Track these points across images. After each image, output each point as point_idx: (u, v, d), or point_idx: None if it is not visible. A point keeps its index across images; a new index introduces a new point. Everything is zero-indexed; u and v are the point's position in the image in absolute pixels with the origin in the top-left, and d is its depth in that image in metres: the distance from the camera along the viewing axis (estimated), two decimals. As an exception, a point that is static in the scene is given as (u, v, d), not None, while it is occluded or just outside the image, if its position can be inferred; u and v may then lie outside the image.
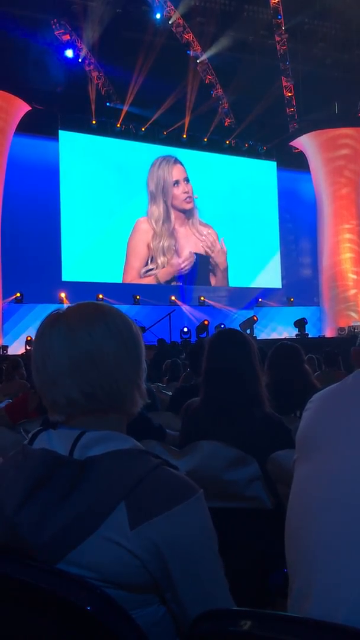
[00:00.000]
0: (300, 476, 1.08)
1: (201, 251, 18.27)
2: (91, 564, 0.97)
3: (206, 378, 2.31)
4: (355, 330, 15.70)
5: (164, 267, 17.67)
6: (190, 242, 18.09)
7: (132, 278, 17.44)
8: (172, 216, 17.82)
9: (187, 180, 18.06)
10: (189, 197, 17.95)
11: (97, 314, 1.11)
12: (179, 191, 17.92)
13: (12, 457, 1.08)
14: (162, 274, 17.74)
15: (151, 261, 17.59)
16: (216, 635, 0.84)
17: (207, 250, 18.34)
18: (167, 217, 17.74)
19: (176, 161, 18.09)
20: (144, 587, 0.99)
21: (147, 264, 17.55)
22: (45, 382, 1.09)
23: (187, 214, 18.03)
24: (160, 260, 17.65)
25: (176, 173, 17.98)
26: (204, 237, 18.27)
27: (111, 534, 0.96)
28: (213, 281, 18.58)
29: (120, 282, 17.14)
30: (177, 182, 17.92)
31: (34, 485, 1.00)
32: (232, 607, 1.03)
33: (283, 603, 1.08)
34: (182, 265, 17.95)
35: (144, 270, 17.52)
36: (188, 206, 17.98)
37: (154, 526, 0.96)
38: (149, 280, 17.56)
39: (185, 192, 17.92)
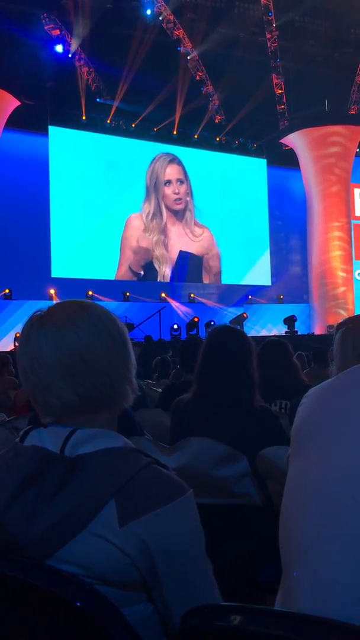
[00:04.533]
0: (294, 471, 1.08)
1: (192, 250, 18.25)
2: (80, 560, 0.97)
3: (201, 374, 2.31)
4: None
5: (154, 263, 17.62)
6: (182, 241, 18.06)
7: (125, 275, 17.41)
8: (164, 213, 17.79)
9: (180, 181, 17.98)
10: (179, 198, 17.89)
11: (81, 312, 1.09)
12: (169, 191, 17.87)
13: (3, 454, 1.07)
14: (152, 275, 17.67)
15: (143, 257, 17.55)
16: (205, 630, 0.84)
17: (203, 252, 18.33)
18: (158, 213, 17.70)
19: (173, 160, 18.03)
20: (133, 584, 0.99)
21: (139, 261, 17.52)
22: (36, 387, 1.07)
23: (178, 215, 17.99)
24: (151, 255, 17.60)
25: (169, 172, 17.92)
26: (197, 238, 18.25)
27: (100, 531, 0.96)
28: (205, 279, 18.59)
29: (110, 278, 17.10)
30: (168, 182, 17.87)
31: (23, 482, 1.00)
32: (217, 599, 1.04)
33: (273, 599, 1.09)
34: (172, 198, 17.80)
35: (139, 266, 17.47)
36: (177, 207, 17.93)
37: (142, 524, 0.96)
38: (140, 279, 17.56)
39: (175, 193, 17.86)
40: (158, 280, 17.75)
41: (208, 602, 0.99)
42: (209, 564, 1.04)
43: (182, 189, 17.99)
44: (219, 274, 18.77)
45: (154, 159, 17.88)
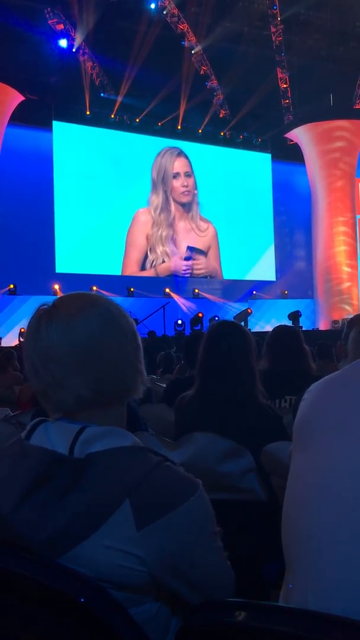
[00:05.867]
0: (296, 466, 1.08)
1: (199, 245, 18.24)
2: (89, 563, 0.95)
3: (202, 369, 2.31)
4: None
5: (162, 258, 17.61)
6: (189, 236, 18.06)
7: (132, 270, 17.41)
8: (172, 207, 17.78)
9: (188, 174, 18.01)
10: (187, 190, 17.89)
11: (89, 305, 1.07)
12: (178, 184, 17.87)
13: (8, 451, 1.06)
14: (161, 269, 17.70)
15: (150, 252, 17.55)
16: (211, 626, 0.84)
17: (207, 247, 18.34)
18: (166, 207, 17.70)
19: (180, 154, 18.05)
20: (142, 588, 0.99)
21: (146, 256, 17.53)
22: (48, 384, 1.04)
23: (185, 207, 17.97)
24: (160, 250, 17.60)
25: (178, 165, 17.93)
26: (202, 233, 18.25)
27: (114, 535, 0.94)
28: (212, 271, 18.60)
29: (114, 273, 17.11)
30: (177, 175, 17.87)
31: (32, 484, 0.98)
32: (233, 576, 1.08)
33: (277, 594, 1.09)
34: (183, 267, 17.86)
35: (147, 263, 17.49)
36: (185, 199, 17.92)
37: (163, 526, 0.95)
38: (148, 273, 17.54)
39: (184, 186, 17.86)
40: (167, 274, 17.74)
41: (226, 576, 1.07)
42: (219, 539, 1.06)
43: (190, 181, 18.03)
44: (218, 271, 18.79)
45: (160, 152, 17.89)
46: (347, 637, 0.76)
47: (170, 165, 17.85)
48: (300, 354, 3.13)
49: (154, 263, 17.60)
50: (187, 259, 17.97)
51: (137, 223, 17.48)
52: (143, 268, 17.56)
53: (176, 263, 17.85)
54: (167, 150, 17.95)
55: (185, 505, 0.96)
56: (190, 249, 18.06)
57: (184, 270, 17.92)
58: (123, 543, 0.94)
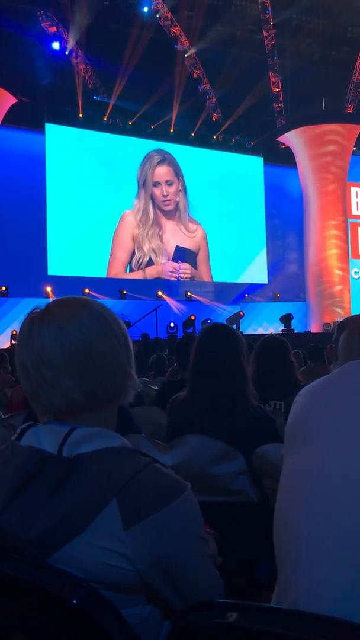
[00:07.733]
0: (287, 469, 1.08)
1: (188, 246, 18.24)
2: (79, 563, 0.95)
3: (194, 372, 2.32)
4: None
5: (149, 255, 17.55)
6: (178, 237, 18.06)
7: (117, 271, 17.37)
8: (151, 210, 17.71)
9: (169, 183, 17.85)
10: (168, 200, 17.81)
11: (82, 309, 1.08)
12: (158, 192, 17.79)
13: (1, 454, 1.06)
14: (149, 272, 17.67)
15: (137, 250, 17.51)
16: (202, 627, 0.85)
17: (197, 248, 18.33)
18: (147, 210, 17.62)
19: (163, 161, 17.90)
20: (131, 587, 0.99)
21: (133, 255, 17.49)
22: (40, 386, 1.04)
23: (167, 214, 17.93)
24: (146, 247, 17.56)
25: (158, 174, 17.82)
26: (191, 235, 18.23)
27: (102, 534, 0.95)
28: (197, 276, 18.60)
29: (105, 276, 17.08)
30: (157, 183, 17.80)
31: (20, 483, 0.98)
32: (222, 587, 1.06)
33: (269, 596, 1.09)
34: (169, 271, 17.85)
35: (134, 261, 17.46)
36: (166, 208, 17.84)
37: (149, 526, 0.95)
38: (136, 275, 17.52)
39: (164, 195, 17.78)
40: (155, 277, 17.71)
41: (214, 585, 1.04)
42: (207, 546, 1.05)
43: (171, 189, 17.90)
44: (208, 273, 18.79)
45: (146, 156, 17.81)
46: (337, 637, 0.77)
47: (151, 172, 17.75)
48: (287, 365, 3.15)
49: (140, 261, 17.51)
50: (175, 259, 17.94)
51: (123, 223, 17.43)
52: (129, 269, 17.52)
53: (164, 267, 17.81)
54: (150, 157, 17.82)
55: (172, 506, 0.97)
56: (179, 249, 18.04)
57: (170, 274, 17.89)
58: (111, 542, 0.95)
